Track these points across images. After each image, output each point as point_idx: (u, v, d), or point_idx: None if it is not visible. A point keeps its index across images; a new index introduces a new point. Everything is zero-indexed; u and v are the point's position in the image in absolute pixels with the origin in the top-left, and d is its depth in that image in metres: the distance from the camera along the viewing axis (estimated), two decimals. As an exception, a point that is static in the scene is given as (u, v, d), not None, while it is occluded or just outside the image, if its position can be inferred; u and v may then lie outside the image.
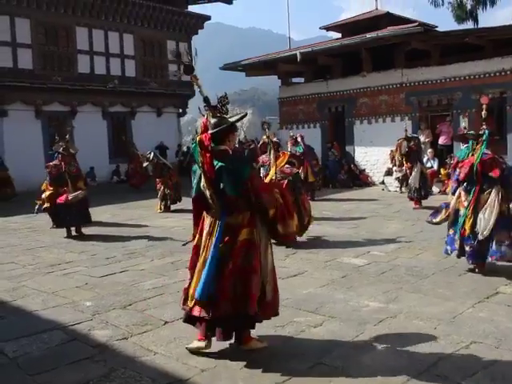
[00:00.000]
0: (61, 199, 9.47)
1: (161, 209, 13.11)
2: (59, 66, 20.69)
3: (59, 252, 8.62)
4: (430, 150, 15.83)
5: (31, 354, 4.36)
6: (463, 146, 7.55)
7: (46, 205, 9.73)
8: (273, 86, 24.49)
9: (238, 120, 4.23)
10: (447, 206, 6.79)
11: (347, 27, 20.70)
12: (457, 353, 4.08)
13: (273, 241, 4.57)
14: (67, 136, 10.33)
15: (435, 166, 15.43)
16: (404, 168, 12.79)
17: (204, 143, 4.04)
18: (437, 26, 19.18)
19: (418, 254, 7.59)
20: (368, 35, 16.80)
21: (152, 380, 3.79)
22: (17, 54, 19.42)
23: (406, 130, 12.96)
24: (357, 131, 18.39)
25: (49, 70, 20.33)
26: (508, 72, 14.84)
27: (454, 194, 6.64)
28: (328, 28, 22.20)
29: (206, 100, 4.20)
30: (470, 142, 6.67)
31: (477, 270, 6.42)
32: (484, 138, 6.44)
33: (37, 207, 10.41)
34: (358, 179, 17.77)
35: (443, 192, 14.40)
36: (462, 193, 6.46)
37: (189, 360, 4.10)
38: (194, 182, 4.27)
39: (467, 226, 6.31)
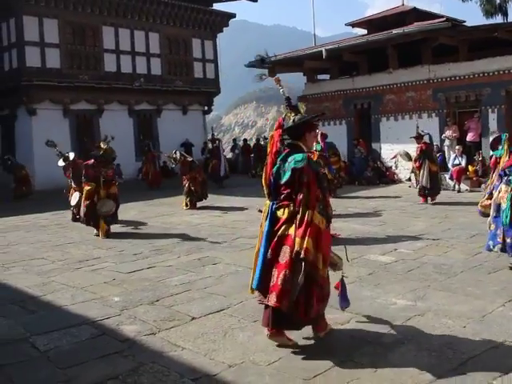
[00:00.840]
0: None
1: (186, 205, 13.19)
2: (86, 64, 20.94)
3: (87, 248, 8.73)
4: (457, 147, 15.61)
5: (61, 347, 4.43)
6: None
7: (86, 202, 9.66)
8: (298, 83, 24.35)
9: (314, 117, 4.44)
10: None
11: (373, 23, 20.54)
12: (486, 352, 4.02)
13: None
14: (108, 140, 10.24)
15: (463, 163, 15.21)
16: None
17: (274, 138, 4.46)
18: (465, 21, 18.91)
19: (446, 251, 7.50)
20: (394, 31, 16.66)
21: (180, 375, 3.82)
22: (45, 54, 19.70)
23: (418, 127, 13.13)
24: (383, 128, 18.24)
25: (76, 69, 20.59)
26: (538, 67, 14.55)
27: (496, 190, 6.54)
28: (353, 24, 22.07)
29: (288, 100, 4.54)
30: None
31: None
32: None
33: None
34: (385, 176, 17.63)
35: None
36: (503, 186, 6.39)
37: (216, 356, 4.13)
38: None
39: (508, 218, 6.21)
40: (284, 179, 4.18)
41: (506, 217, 6.21)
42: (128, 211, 12.42)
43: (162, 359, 4.12)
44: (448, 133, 16.20)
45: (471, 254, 7.28)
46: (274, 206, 4.26)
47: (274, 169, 4.31)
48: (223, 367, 3.92)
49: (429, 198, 12.61)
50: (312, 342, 4.33)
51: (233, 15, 26.00)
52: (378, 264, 6.80)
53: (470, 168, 15.30)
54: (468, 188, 14.83)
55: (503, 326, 4.51)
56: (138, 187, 18.44)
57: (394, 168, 17.27)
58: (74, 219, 10.96)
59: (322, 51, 18.21)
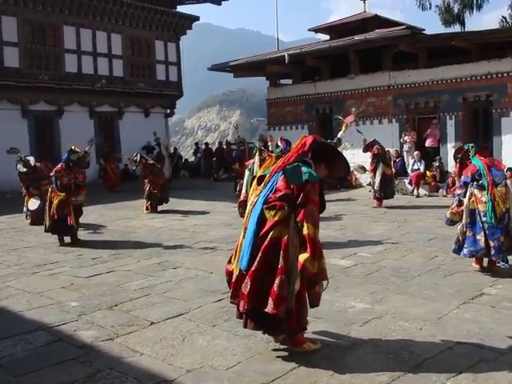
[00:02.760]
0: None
1: (147, 209, 13.06)
2: (46, 64, 20.54)
3: (45, 252, 8.55)
4: (416, 153, 15.94)
5: (15, 354, 4.32)
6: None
7: (56, 211, 9.06)
8: (261, 87, 24.42)
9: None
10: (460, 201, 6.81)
11: (335, 29, 20.80)
12: (441, 353, 4.11)
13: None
14: (88, 148, 10.01)
15: (422, 168, 15.53)
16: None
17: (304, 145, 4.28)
18: (424, 29, 19.33)
19: (404, 255, 7.63)
20: (356, 38, 16.91)
21: (137, 381, 3.78)
22: (3, 53, 19.24)
23: (365, 140, 13.40)
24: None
25: (35, 68, 20.17)
26: (494, 75, 14.97)
27: (464, 197, 6.64)
28: (316, 30, 22.30)
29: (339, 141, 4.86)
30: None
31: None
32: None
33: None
34: (346, 181, 17.81)
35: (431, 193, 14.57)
36: (475, 191, 6.51)
37: (175, 361, 4.10)
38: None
39: (494, 219, 6.36)
40: (292, 178, 4.08)
41: (491, 218, 6.35)
42: (88, 215, 12.18)
43: (119, 365, 4.07)
44: (407, 138, 16.51)
45: (428, 257, 7.42)
46: (263, 204, 4.07)
47: (289, 167, 4.13)
48: (181, 372, 3.90)
49: (383, 202, 12.87)
50: (269, 345, 4.34)
51: (197, 18, 25.90)
52: (337, 268, 6.87)
53: (428, 173, 15.62)
54: (426, 193, 15.14)
55: (458, 328, 4.62)
56: (97, 190, 18.15)
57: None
58: (32, 223, 10.70)
59: (284, 56, 18.34)
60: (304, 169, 4.07)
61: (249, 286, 3.96)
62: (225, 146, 25.72)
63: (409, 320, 4.87)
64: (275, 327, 4.09)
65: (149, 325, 4.93)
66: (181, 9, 26.14)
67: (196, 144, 29.92)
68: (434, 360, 3.99)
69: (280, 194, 4.07)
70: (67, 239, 9.27)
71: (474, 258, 6.68)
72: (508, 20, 26.89)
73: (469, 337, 4.41)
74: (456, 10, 27.69)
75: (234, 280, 4.16)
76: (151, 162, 13.45)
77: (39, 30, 20.45)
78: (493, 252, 6.39)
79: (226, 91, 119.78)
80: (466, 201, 6.61)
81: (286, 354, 4.16)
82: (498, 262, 6.59)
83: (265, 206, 4.06)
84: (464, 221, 6.59)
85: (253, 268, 3.96)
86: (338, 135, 5.17)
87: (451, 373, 3.75)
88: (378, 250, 7.93)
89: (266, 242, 3.97)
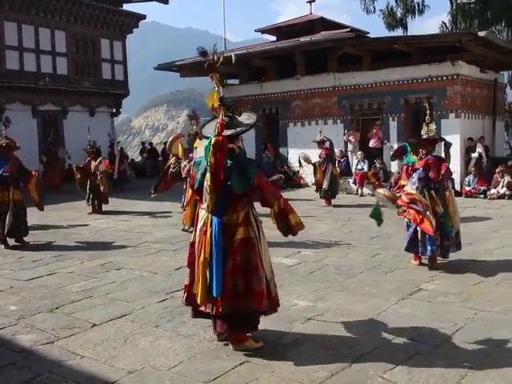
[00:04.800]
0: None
1: (92, 209, 12.85)
2: (-15, 61, 19.88)
3: (-17, 255, 8.30)
4: (359, 153, 16.30)
5: (-50, 361, 4.19)
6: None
7: None
8: (209, 86, 24.17)
9: (254, 124, 4.30)
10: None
11: (282, 31, 20.96)
12: (379, 348, 4.24)
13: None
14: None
15: (365, 168, 15.87)
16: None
17: (221, 146, 3.98)
18: (368, 32, 19.76)
19: (347, 253, 7.80)
20: (302, 39, 17.10)
21: None
22: None
23: (321, 132, 13.64)
24: (290, 133, 18.67)
25: (-26, 65, 19.51)
26: (434, 78, 15.45)
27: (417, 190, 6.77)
28: (263, 31, 22.41)
29: (222, 99, 4.25)
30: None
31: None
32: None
33: None
34: (292, 180, 18.01)
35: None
36: (433, 192, 6.76)
37: (116, 362, 4.07)
38: (199, 174, 4.25)
39: (451, 223, 6.74)
40: (240, 188, 4.12)
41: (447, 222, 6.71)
42: (30, 216, 11.88)
43: (59, 368, 4.00)
44: (351, 138, 16.85)
45: (370, 255, 7.61)
46: (220, 215, 4.11)
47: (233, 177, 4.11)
48: (123, 373, 3.87)
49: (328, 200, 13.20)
50: (211, 344, 4.36)
51: (143, 16, 25.58)
52: (281, 267, 6.94)
53: (369, 173, 15.93)
54: (370, 192, 15.46)
55: (396, 323, 4.77)
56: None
57: (300, 172, 17.68)
58: None
59: (231, 56, 18.34)
60: (237, 167, 4.13)
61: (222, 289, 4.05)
62: (172, 146, 25.54)
63: (349, 316, 4.99)
64: (252, 324, 4.24)
65: (90, 327, 4.87)
66: (127, 7, 25.74)
67: (142, 144, 29.57)
68: (372, 354, 4.11)
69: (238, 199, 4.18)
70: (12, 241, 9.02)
71: (413, 254, 6.92)
72: (448, 25, 27.79)
73: (405, 331, 4.56)
74: (399, 15, 28.47)
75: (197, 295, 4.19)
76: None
77: (-22, 26, 19.76)
78: (445, 251, 6.71)
79: (174, 91, 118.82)
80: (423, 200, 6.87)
81: (228, 352, 4.20)
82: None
83: (222, 215, 4.13)
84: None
85: (228, 270, 4.08)
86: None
87: (387, 366, 3.87)
88: (322, 249, 8.08)
89: (234, 246, 4.11)
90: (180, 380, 3.76)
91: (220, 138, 4.03)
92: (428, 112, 7.53)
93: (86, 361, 4.13)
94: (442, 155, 8.65)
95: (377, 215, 6.55)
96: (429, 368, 3.85)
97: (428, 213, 6.46)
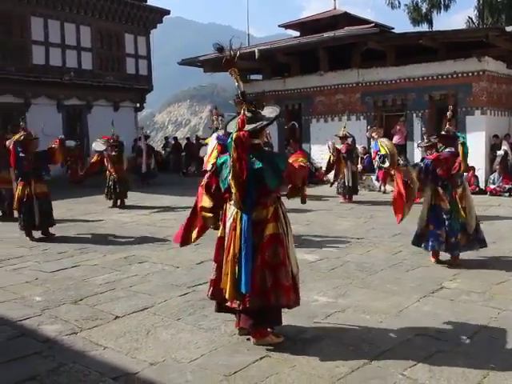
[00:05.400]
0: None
1: (113, 204, 13.00)
2: (13, 56, 20.16)
3: (9, 247, 8.45)
4: (383, 149, 16.15)
5: (-23, 349, 4.30)
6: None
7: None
8: (232, 82, 24.25)
9: (277, 117, 4.32)
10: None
11: (306, 26, 20.88)
12: (400, 345, 4.23)
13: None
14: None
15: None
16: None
17: (243, 141, 4.00)
18: (393, 28, 19.58)
19: (369, 250, 7.77)
20: (325, 35, 17.01)
21: (100, 374, 3.80)
22: (-33, 43, 18.84)
23: (345, 127, 13.63)
24: (313, 129, 18.61)
25: (1, 59, 19.77)
26: (459, 75, 15.25)
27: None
28: (287, 26, 22.36)
29: (243, 95, 4.24)
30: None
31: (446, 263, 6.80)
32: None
33: None
34: (314, 177, 17.93)
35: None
36: (440, 189, 6.74)
37: (138, 354, 4.13)
38: (225, 173, 4.21)
39: (464, 220, 6.68)
40: (275, 185, 4.16)
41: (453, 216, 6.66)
42: (55, 209, 12.07)
43: (82, 359, 4.08)
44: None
45: (392, 252, 7.58)
46: (249, 211, 4.12)
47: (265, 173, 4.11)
48: (145, 365, 3.93)
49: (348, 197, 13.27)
50: (233, 338, 4.39)
51: (167, 12, 25.70)
52: (304, 263, 6.92)
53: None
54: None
55: (417, 320, 4.75)
56: (66, 184, 17.93)
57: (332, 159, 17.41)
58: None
59: (255, 51, 18.33)
60: (267, 160, 4.13)
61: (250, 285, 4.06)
62: (194, 141, 25.66)
63: (370, 313, 4.98)
64: (277, 318, 4.30)
65: (113, 319, 4.94)
66: (151, 2, 25.94)
67: (166, 138, 29.73)
68: (392, 351, 4.10)
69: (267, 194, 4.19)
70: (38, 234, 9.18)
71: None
72: (474, 21, 27.41)
73: (427, 329, 4.54)
74: (424, 10, 28.20)
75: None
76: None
77: (5, 20, 20.00)
78: (451, 248, 6.64)
79: (197, 86, 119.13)
80: (427, 195, 6.83)
81: (249, 347, 4.22)
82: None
83: (253, 210, 4.13)
84: (425, 214, 6.86)
85: (256, 266, 4.10)
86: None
87: (408, 363, 3.86)
88: (343, 245, 8.06)
89: (264, 241, 4.13)
90: (201, 373, 3.80)
91: (241, 133, 4.05)
92: (450, 107, 7.43)
93: (108, 352, 4.19)
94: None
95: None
96: (450, 367, 3.83)
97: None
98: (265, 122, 4.22)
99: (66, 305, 5.38)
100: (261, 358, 4.00)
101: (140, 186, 16.90)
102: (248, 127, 4.13)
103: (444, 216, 6.68)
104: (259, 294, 4.09)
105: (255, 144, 4.16)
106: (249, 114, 4.18)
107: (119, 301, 5.46)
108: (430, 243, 6.76)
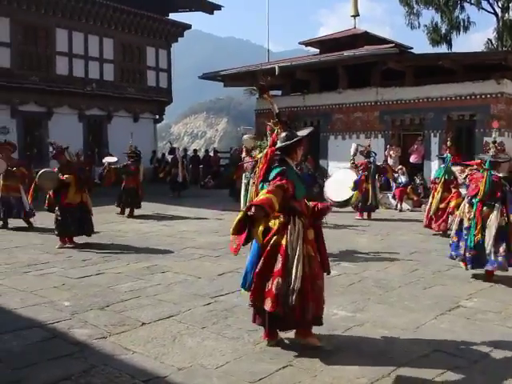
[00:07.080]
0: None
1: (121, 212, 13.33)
2: (37, 66, 20.65)
3: (35, 253, 8.69)
4: (400, 167, 16.28)
5: (12, 349, 4.50)
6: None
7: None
8: (246, 96, 24.36)
9: (308, 134, 4.63)
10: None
11: (325, 43, 21.19)
12: (417, 360, 4.36)
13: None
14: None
15: (404, 182, 15.85)
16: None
17: (267, 156, 4.48)
18: (412, 48, 19.83)
19: (386, 267, 7.90)
20: (345, 53, 17.28)
21: (131, 377, 3.98)
22: (-4, 53, 19.33)
23: (369, 145, 13.77)
24: (331, 146, 18.81)
25: (26, 69, 20.26)
26: (478, 96, 15.42)
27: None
28: (307, 43, 22.68)
29: (278, 116, 4.62)
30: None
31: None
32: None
33: None
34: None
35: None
36: (467, 205, 7.11)
37: (166, 359, 4.30)
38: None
39: (476, 237, 6.91)
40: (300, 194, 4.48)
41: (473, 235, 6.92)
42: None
43: (113, 362, 4.26)
44: (392, 152, 16.88)
45: (409, 270, 7.69)
46: None
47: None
48: (173, 370, 4.11)
49: (365, 214, 13.40)
50: (255, 348, 4.56)
51: (188, 26, 26.14)
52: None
53: (408, 189, 15.90)
54: (410, 208, 15.46)
55: (434, 337, 4.88)
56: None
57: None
58: None
59: (274, 68, 18.62)
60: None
61: (253, 285, 4.43)
62: (212, 154, 25.95)
63: (388, 328, 5.12)
64: (275, 323, 4.51)
65: (140, 325, 5.13)
66: (173, 16, 26.39)
67: (185, 150, 30.00)
68: (410, 365, 4.24)
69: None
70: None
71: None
72: (493, 42, 27.54)
73: (444, 345, 4.67)
74: (443, 31, 28.35)
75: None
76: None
77: (31, 32, 20.54)
78: (467, 261, 6.97)
79: (214, 98, 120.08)
80: (460, 209, 7.28)
81: (272, 355, 4.39)
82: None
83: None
84: (454, 227, 7.43)
85: (257, 270, 4.40)
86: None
87: (425, 379, 4.00)
88: (361, 262, 8.19)
89: (268, 248, 4.40)
90: (227, 379, 3.97)
91: (269, 150, 4.41)
92: (449, 135, 7.90)
93: (137, 356, 4.38)
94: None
95: None
96: (466, 382, 3.96)
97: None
98: (288, 142, 4.51)
99: (93, 310, 5.58)
100: (284, 367, 4.16)
101: (171, 196, 17.63)
102: (277, 145, 4.48)
103: (465, 231, 7.05)
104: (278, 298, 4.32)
105: (282, 159, 4.47)
106: (284, 134, 4.52)
107: (145, 308, 5.65)
108: (450, 252, 7.35)
